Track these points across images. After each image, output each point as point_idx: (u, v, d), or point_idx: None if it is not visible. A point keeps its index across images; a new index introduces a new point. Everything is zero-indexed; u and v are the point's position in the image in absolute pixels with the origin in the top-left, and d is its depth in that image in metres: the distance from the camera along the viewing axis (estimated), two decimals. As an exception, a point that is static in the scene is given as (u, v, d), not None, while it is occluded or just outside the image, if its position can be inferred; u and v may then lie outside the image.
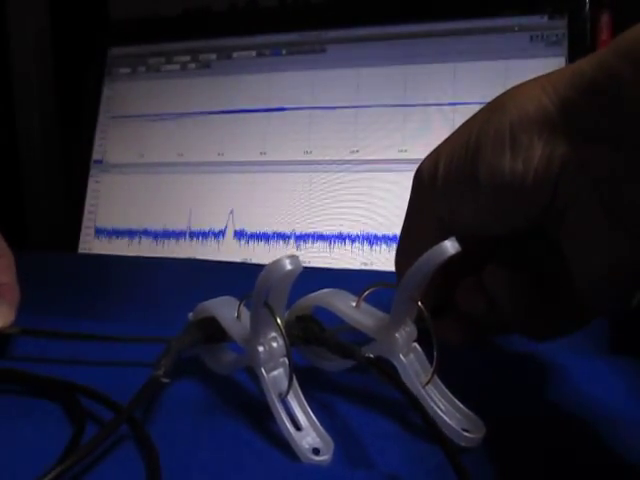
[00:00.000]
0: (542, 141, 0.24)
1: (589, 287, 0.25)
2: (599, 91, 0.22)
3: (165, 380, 0.27)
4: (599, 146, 0.23)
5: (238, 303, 0.29)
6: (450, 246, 0.24)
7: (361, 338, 0.28)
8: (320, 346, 0.29)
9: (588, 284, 0.25)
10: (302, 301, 0.30)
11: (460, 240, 0.24)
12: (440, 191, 0.28)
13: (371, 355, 0.26)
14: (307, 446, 0.24)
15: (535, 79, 0.25)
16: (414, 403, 0.24)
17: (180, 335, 0.29)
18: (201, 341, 0.30)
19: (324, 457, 0.24)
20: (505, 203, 0.25)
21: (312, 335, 0.29)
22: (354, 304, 0.29)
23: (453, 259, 0.24)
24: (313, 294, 0.30)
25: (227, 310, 0.29)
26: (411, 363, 0.27)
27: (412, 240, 0.30)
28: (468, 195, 0.26)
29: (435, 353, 0.26)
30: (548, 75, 0.25)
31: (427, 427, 0.23)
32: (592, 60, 0.23)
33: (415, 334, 0.27)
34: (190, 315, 0.30)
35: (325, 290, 0.30)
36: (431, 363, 0.27)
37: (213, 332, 0.30)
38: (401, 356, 0.27)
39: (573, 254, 0.25)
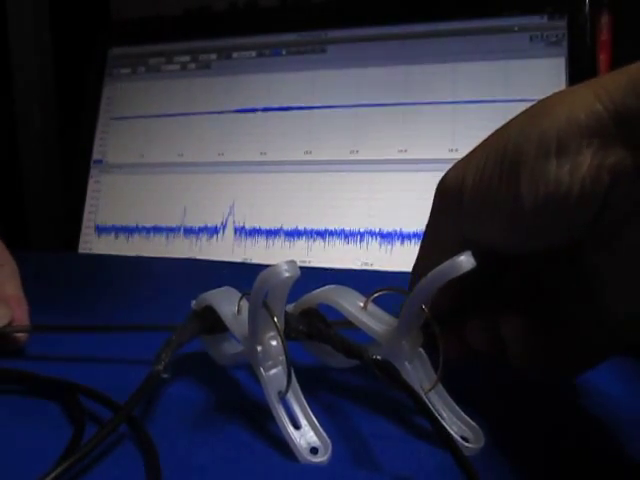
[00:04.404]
0: (592, 149, 0.22)
1: (619, 319, 0.24)
2: None
3: (165, 375, 0.26)
4: None
5: (239, 296, 0.29)
6: (466, 261, 0.23)
7: (361, 335, 0.28)
8: (325, 343, 0.28)
9: (620, 316, 0.24)
10: (308, 297, 0.30)
11: (478, 255, 0.23)
12: (467, 207, 0.26)
13: (379, 357, 0.26)
14: (305, 445, 0.24)
15: (585, 85, 0.24)
16: (423, 408, 0.24)
17: (181, 325, 0.29)
18: (203, 332, 0.30)
19: (322, 458, 0.24)
20: (546, 217, 0.23)
21: (317, 331, 0.29)
22: (361, 304, 0.28)
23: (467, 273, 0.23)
24: (319, 290, 0.30)
25: (227, 304, 0.29)
26: (415, 369, 0.27)
27: (431, 252, 0.29)
28: (502, 211, 0.24)
29: (441, 361, 0.26)
30: (599, 81, 0.23)
31: (436, 432, 0.23)
32: None
33: (421, 341, 0.27)
34: (193, 303, 0.30)
35: (332, 287, 0.30)
36: (435, 370, 0.26)
37: (216, 322, 0.29)
38: (406, 362, 0.26)
39: (614, 281, 0.24)
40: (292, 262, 0.24)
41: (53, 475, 0.21)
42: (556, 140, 0.23)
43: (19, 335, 0.34)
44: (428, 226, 0.29)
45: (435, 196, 0.28)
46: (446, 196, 0.27)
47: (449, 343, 0.27)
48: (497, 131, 0.26)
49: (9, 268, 0.36)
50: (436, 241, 0.29)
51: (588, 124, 0.22)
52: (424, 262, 0.30)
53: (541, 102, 0.25)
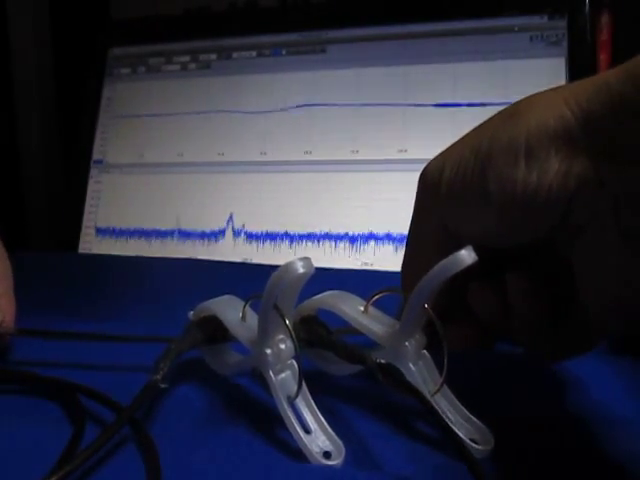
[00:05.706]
0: (560, 156, 0.22)
1: (594, 312, 0.24)
2: (626, 106, 0.21)
3: (163, 385, 0.26)
4: (622, 164, 0.21)
5: (242, 303, 0.29)
6: (467, 256, 0.23)
7: (363, 341, 0.28)
8: (327, 350, 0.28)
9: (593, 309, 0.24)
10: (307, 303, 0.29)
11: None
12: (444, 198, 0.26)
13: (382, 361, 0.25)
14: (317, 450, 0.24)
15: (556, 89, 0.24)
16: (431, 412, 0.24)
17: (180, 337, 0.29)
18: (202, 342, 0.29)
19: (335, 461, 0.24)
20: (514, 217, 0.24)
21: (318, 338, 0.28)
22: (361, 308, 0.28)
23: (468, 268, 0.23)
24: (319, 296, 0.29)
25: (231, 311, 0.29)
26: (420, 371, 0.26)
27: (417, 247, 0.29)
28: (474, 205, 0.25)
29: (445, 362, 0.25)
30: (570, 86, 0.23)
31: (445, 436, 0.23)
32: (619, 73, 0.21)
33: (424, 342, 0.27)
34: (190, 314, 0.30)
35: (331, 292, 0.29)
36: (439, 371, 0.26)
37: (215, 332, 0.29)
38: (410, 364, 0.26)
39: (583, 276, 0.24)
40: (307, 258, 0.24)
41: (55, 478, 0.21)
42: (525, 145, 0.23)
43: (5, 337, 0.34)
44: (412, 220, 0.29)
45: (417, 186, 0.28)
46: (427, 186, 0.27)
47: (452, 336, 0.27)
48: (478, 127, 0.26)
49: (2, 266, 0.36)
50: (420, 235, 0.29)
51: (556, 130, 0.22)
52: (411, 259, 0.30)
53: (514, 105, 0.25)
